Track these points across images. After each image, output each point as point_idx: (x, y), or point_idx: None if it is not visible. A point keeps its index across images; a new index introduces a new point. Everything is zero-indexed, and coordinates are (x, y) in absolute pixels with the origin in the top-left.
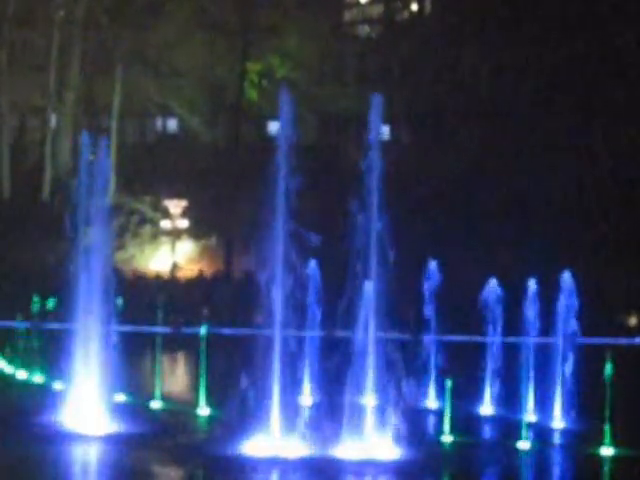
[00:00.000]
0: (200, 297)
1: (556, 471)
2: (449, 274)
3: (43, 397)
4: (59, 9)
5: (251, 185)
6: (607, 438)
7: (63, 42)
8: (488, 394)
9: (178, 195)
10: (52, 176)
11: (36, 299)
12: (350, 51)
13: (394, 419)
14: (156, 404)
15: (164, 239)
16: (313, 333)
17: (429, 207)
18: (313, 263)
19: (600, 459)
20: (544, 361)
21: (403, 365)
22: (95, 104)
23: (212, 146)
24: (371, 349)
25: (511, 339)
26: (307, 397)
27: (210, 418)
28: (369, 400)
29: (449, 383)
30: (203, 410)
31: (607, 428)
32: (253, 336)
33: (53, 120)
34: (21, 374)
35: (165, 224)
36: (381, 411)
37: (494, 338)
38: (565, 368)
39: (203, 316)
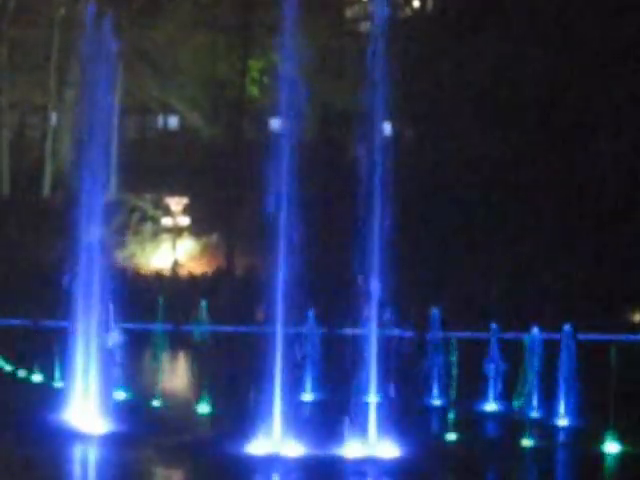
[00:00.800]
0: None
1: (560, 468)
2: (451, 270)
3: (43, 395)
4: (60, 7)
5: (252, 182)
6: (611, 435)
7: (63, 40)
8: (492, 391)
9: (179, 192)
10: (52, 174)
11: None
12: (351, 48)
13: (396, 417)
14: (157, 402)
15: (165, 237)
16: (315, 330)
17: (431, 204)
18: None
19: (605, 456)
20: (548, 357)
21: (406, 362)
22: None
23: (213, 143)
24: (373, 346)
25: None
26: (308, 395)
27: (211, 416)
28: (371, 398)
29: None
30: (204, 408)
31: (611, 425)
32: (255, 333)
33: (53, 118)
34: (21, 372)
35: (166, 221)
36: (383, 409)
37: (495, 334)
38: (570, 365)
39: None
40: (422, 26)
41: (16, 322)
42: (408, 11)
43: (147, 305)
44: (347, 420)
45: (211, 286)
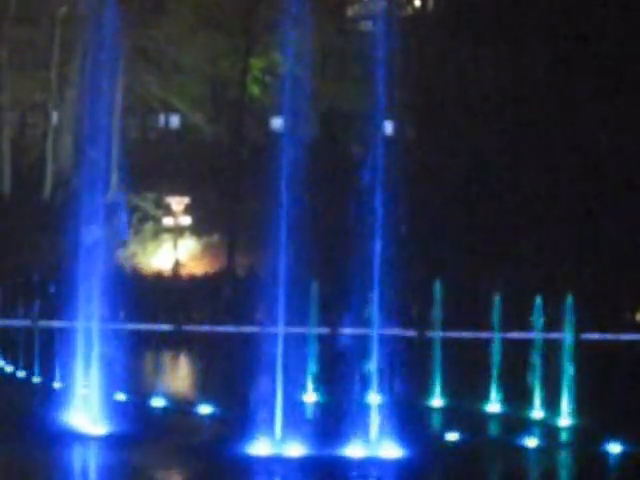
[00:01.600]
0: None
1: (563, 468)
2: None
3: (43, 396)
4: (60, 5)
5: (254, 182)
6: (614, 435)
7: (64, 39)
8: (494, 391)
9: (180, 192)
10: (53, 173)
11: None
12: (353, 47)
13: (398, 417)
14: (157, 403)
15: (166, 236)
16: (316, 331)
17: (433, 203)
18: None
19: (607, 456)
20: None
21: (407, 362)
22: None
23: (215, 142)
24: (375, 346)
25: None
26: (310, 395)
27: (212, 417)
28: (373, 398)
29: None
30: (205, 409)
31: (614, 424)
32: (256, 334)
33: (54, 117)
34: (20, 373)
35: (167, 221)
36: (385, 409)
37: (499, 334)
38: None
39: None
40: (423, 25)
41: (16, 322)
42: (409, 10)
43: (148, 305)
44: (349, 421)
45: (212, 286)
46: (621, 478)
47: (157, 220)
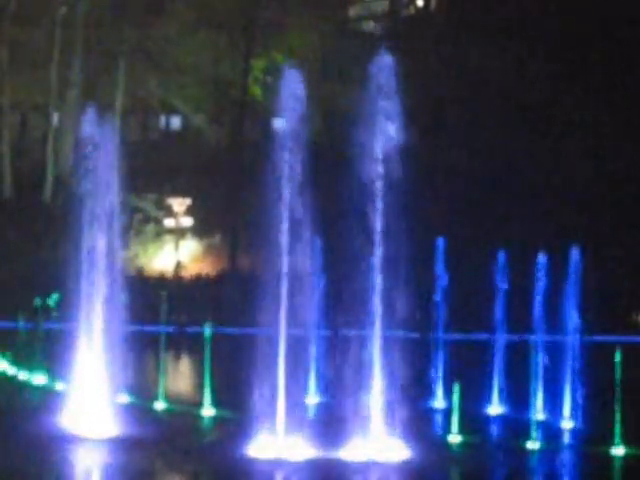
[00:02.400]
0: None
1: (566, 471)
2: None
3: (45, 398)
4: (61, 6)
5: (255, 182)
6: (617, 437)
7: (65, 40)
8: (496, 393)
9: (182, 193)
10: (54, 175)
11: (38, 299)
12: (355, 47)
13: (401, 419)
14: (160, 405)
15: (168, 237)
16: (319, 332)
17: (435, 204)
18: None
19: (611, 458)
20: (553, 359)
21: (411, 364)
22: (98, 102)
23: (216, 143)
24: (377, 348)
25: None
26: (313, 397)
27: (215, 419)
28: (375, 400)
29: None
30: (207, 411)
31: (617, 427)
32: (258, 335)
33: (55, 118)
34: (23, 375)
35: (169, 222)
36: (388, 411)
37: (500, 336)
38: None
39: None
40: (426, 25)
41: (18, 325)
42: (412, 10)
43: (150, 307)
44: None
45: (214, 287)
46: None
47: (158, 221)
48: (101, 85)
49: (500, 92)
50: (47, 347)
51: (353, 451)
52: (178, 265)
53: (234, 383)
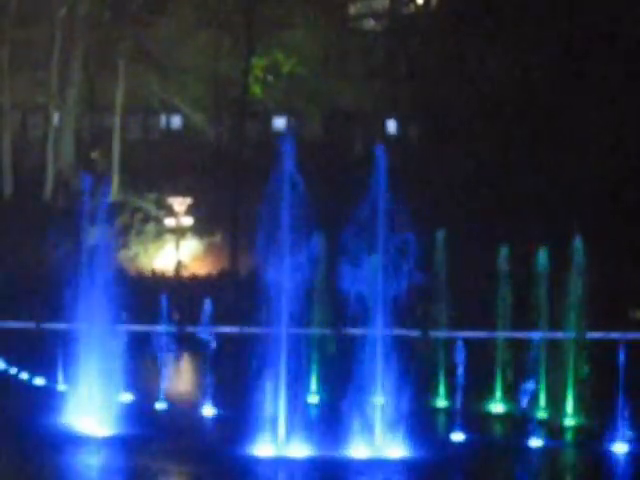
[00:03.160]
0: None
1: (568, 468)
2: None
3: (47, 399)
4: (61, 6)
5: (256, 181)
6: (620, 434)
7: (65, 39)
8: (499, 391)
9: (182, 192)
10: (54, 174)
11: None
12: (355, 45)
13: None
14: (162, 405)
15: (168, 237)
16: (321, 331)
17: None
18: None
19: (613, 455)
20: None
21: (412, 363)
22: (98, 101)
23: (216, 142)
24: (379, 346)
25: (519, 334)
26: (314, 396)
27: (216, 418)
28: (378, 399)
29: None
30: (209, 410)
31: (620, 424)
32: (259, 335)
33: (55, 118)
34: (24, 375)
35: (169, 222)
36: (390, 410)
37: (501, 333)
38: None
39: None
40: (426, 23)
41: (19, 324)
42: (412, 8)
43: (150, 306)
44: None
45: (215, 287)
46: (628, 478)
47: (159, 221)
48: (101, 84)
49: (499, 90)
50: (48, 347)
51: (356, 449)
52: (179, 264)
53: (235, 383)
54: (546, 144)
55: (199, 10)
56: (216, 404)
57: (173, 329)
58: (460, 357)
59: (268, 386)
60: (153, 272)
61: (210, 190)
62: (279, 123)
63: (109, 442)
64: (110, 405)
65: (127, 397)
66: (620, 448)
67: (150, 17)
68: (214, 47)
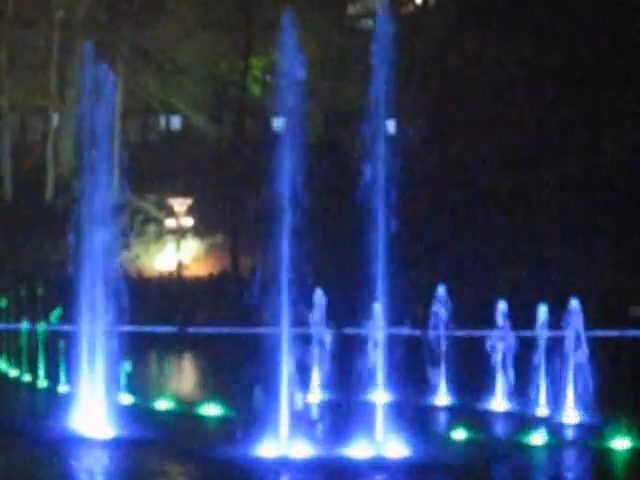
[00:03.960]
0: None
1: (570, 466)
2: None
3: (48, 400)
4: (59, 8)
5: (256, 182)
6: (621, 431)
7: (64, 41)
8: (500, 389)
9: (183, 193)
10: (55, 176)
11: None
12: (354, 45)
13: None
14: (163, 405)
15: (169, 238)
16: (320, 330)
17: (436, 203)
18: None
19: (615, 452)
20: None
21: (412, 361)
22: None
23: (216, 143)
24: (380, 345)
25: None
26: (315, 396)
27: (218, 419)
28: (379, 398)
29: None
30: (210, 411)
31: (621, 421)
32: (260, 335)
33: (55, 120)
34: (25, 377)
35: (170, 223)
36: (391, 409)
37: (504, 331)
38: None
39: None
40: (425, 22)
41: (20, 326)
42: (410, 7)
43: (152, 307)
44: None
45: (216, 287)
46: (629, 474)
47: (160, 222)
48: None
49: (499, 88)
50: (49, 349)
51: (358, 449)
52: (180, 265)
53: (237, 383)
54: (549, 141)
55: (198, 10)
56: (218, 404)
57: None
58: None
59: (269, 386)
60: (160, 274)
61: (210, 191)
62: (279, 123)
63: (110, 444)
64: (111, 406)
65: (128, 397)
66: (621, 445)
67: (149, 18)
68: (213, 47)
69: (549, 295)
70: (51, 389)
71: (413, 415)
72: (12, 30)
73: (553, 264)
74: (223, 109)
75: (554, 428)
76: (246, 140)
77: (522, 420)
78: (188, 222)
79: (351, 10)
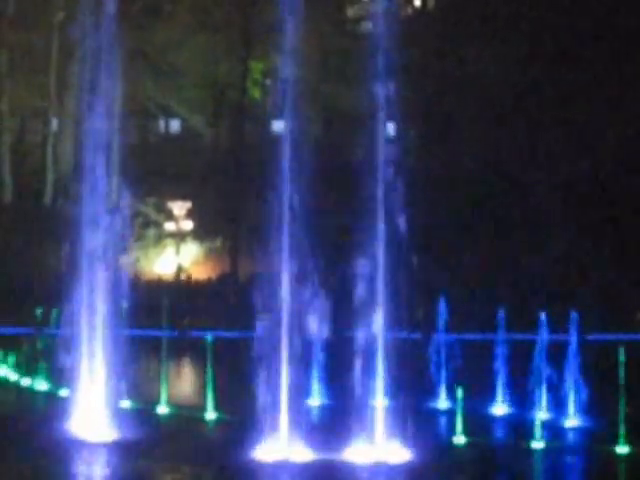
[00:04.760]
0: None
1: (571, 471)
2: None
3: (48, 404)
4: (59, 11)
5: (256, 185)
6: (622, 436)
7: (62, 44)
8: (500, 393)
9: (182, 196)
10: (54, 179)
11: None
12: (353, 48)
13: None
14: (163, 409)
15: (168, 241)
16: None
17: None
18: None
19: (616, 457)
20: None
21: (413, 365)
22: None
23: (216, 146)
24: (380, 349)
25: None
26: (316, 399)
27: (218, 423)
28: (379, 402)
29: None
30: (210, 414)
31: (621, 426)
32: (259, 339)
33: (54, 122)
34: (25, 381)
35: (169, 226)
36: (391, 413)
37: (503, 335)
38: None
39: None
40: (423, 25)
41: (19, 330)
42: (409, 10)
43: (151, 311)
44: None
45: (216, 291)
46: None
47: (159, 225)
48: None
49: (498, 92)
50: (49, 352)
51: (358, 453)
52: (179, 269)
53: (236, 387)
54: (546, 141)
55: (197, 13)
56: (217, 408)
57: (174, 333)
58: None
59: (269, 389)
60: (159, 278)
61: (210, 194)
62: (278, 126)
63: (111, 447)
64: (111, 409)
65: (128, 401)
66: (622, 450)
67: (147, 21)
68: (212, 50)
69: (549, 297)
70: (51, 392)
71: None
72: (12, 33)
73: (553, 265)
74: (222, 112)
75: (555, 432)
76: (245, 143)
77: (523, 424)
78: (187, 225)
79: (350, 13)
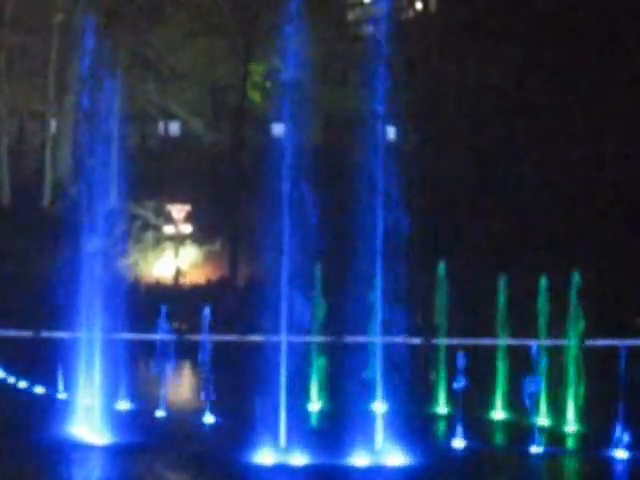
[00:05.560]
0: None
1: (569, 475)
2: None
3: (46, 407)
4: (58, 13)
5: (255, 188)
6: (620, 441)
7: (62, 46)
8: (500, 399)
9: (181, 200)
10: (53, 182)
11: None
12: (354, 51)
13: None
14: (161, 412)
15: (167, 245)
16: (319, 338)
17: (436, 207)
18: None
19: (614, 462)
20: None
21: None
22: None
23: (215, 149)
24: (379, 354)
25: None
26: (315, 404)
27: (216, 426)
28: (378, 406)
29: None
30: (208, 418)
31: (620, 431)
32: (259, 342)
33: (53, 125)
34: (23, 384)
35: (168, 229)
36: (391, 417)
37: (504, 341)
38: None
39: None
40: (425, 28)
41: (18, 333)
42: (410, 13)
43: (149, 314)
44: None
45: (214, 294)
46: None
47: (158, 228)
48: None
49: (499, 95)
50: (47, 355)
51: (357, 457)
52: (178, 272)
53: (235, 390)
54: (547, 147)
55: (196, 17)
56: (216, 412)
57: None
58: None
59: (267, 393)
60: (157, 281)
61: (209, 197)
62: (278, 130)
63: (108, 449)
64: (109, 412)
65: (126, 405)
66: (621, 455)
67: (147, 24)
68: (212, 53)
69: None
70: (49, 396)
71: (413, 424)
72: (11, 35)
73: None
74: (222, 115)
75: (554, 437)
76: (245, 146)
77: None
78: (186, 229)
79: (351, 16)
